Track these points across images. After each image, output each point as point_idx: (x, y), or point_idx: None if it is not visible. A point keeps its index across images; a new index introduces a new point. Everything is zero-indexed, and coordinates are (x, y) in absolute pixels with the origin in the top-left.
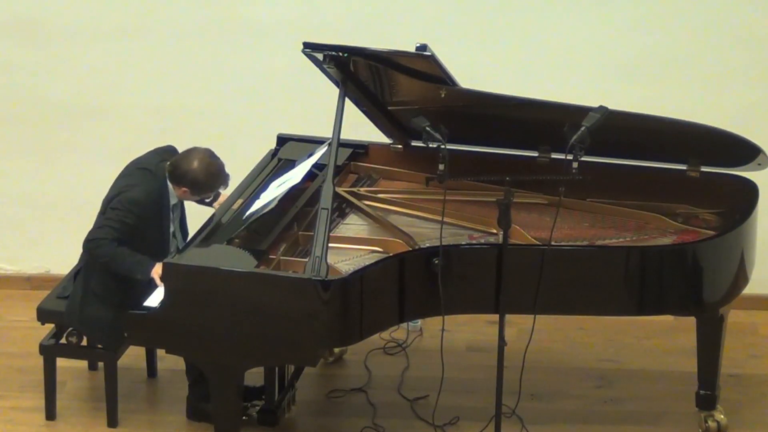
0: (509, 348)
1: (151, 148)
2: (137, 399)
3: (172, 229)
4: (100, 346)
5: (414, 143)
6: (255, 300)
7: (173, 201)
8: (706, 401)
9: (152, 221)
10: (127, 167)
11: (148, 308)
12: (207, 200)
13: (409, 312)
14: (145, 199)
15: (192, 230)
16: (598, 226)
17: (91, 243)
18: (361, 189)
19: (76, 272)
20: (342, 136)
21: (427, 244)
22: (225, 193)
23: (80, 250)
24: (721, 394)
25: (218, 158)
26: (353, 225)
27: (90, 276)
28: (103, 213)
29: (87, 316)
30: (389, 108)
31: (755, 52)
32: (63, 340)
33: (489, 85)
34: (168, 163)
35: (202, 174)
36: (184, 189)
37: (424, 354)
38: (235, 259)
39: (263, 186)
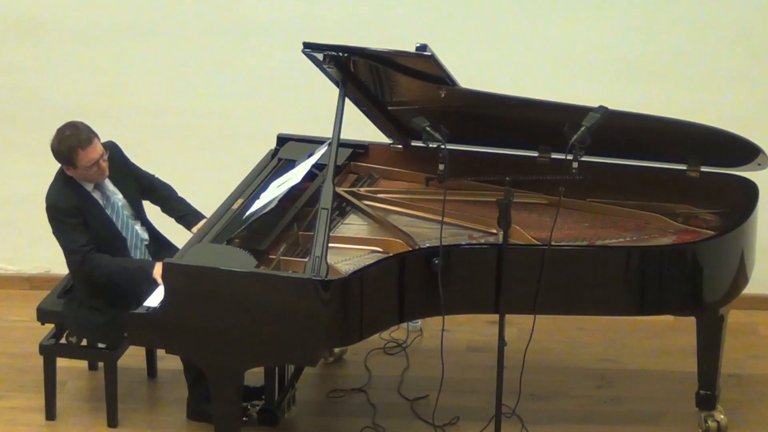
0: (509, 348)
1: (150, 148)
2: (137, 399)
3: (112, 213)
4: (102, 345)
5: (414, 143)
6: (255, 300)
7: (89, 187)
8: (706, 401)
9: (82, 212)
10: None
11: (148, 308)
12: (183, 222)
13: (409, 312)
14: (57, 199)
15: (183, 232)
16: (598, 226)
17: (80, 270)
18: (361, 189)
19: (67, 290)
20: (342, 136)
21: (427, 244)
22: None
23: None
24: (721, 394)
25: (69, 126)
26: (353, 225)
27: (80, 291)
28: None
29: (80, 324)
30: (389, 108)
31: (754, 53)
32: (63, 340)
33: (489, 85)
34: None
35: (56, 143)
36: (65, 167)
37: (424, 354)
38: (235, 259)
39: (263, 186)
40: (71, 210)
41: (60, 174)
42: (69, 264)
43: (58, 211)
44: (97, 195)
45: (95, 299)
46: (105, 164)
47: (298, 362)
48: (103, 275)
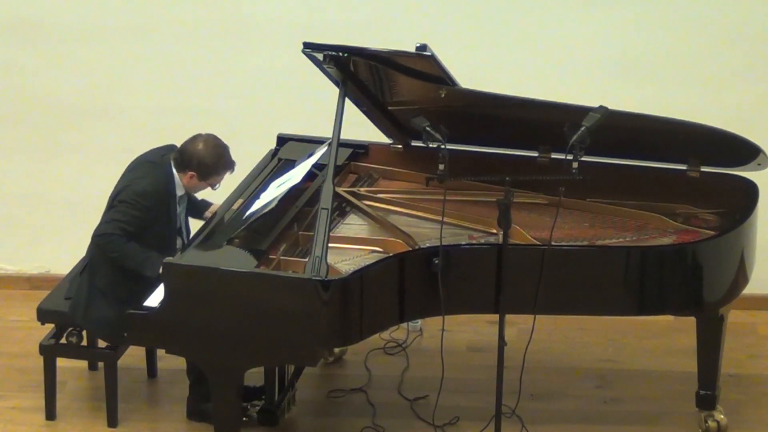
0: (509, 348)
1: (151, 148)
2: (137, 399)
3: (179, 224)
4: (106, 343)
5: (414, 143)
6: (255, 300)
7: (179, 192)
8: (706, 401)
9: (160, 212)
10: (133, 161)
11: (148, 308)
12: (199, 212)
13: (409, 312)
14: (153, 190)
15: (192, 229)
16: (598, 226)
17: (100, 238)
18: (361, 189)
19: (82, 269)
20: (342, 136)
21: (427, 244)
22: (217, 203)
23: (81, 250)
24: (721, 394)
25: (223, 142)
26: (353, 225)
27: (95, 272)
28: (110, 207)
29: (91, 315)
30: (389, 108)
31: (755, 52)
32: (63, 340)
33: (489, 85)
34: (174, 151)
35: (208, 155)
36: (191, 173)
37: (424, 354)
38: (235, 259)
39: (263, 186)
40: (154, 205)
41: (164, 166)
42: (93, 241)
43: (145, 198)
44: (179, 201)
45: (107, 284)
46: None
47: (298, 362)
48: (115, 252)
